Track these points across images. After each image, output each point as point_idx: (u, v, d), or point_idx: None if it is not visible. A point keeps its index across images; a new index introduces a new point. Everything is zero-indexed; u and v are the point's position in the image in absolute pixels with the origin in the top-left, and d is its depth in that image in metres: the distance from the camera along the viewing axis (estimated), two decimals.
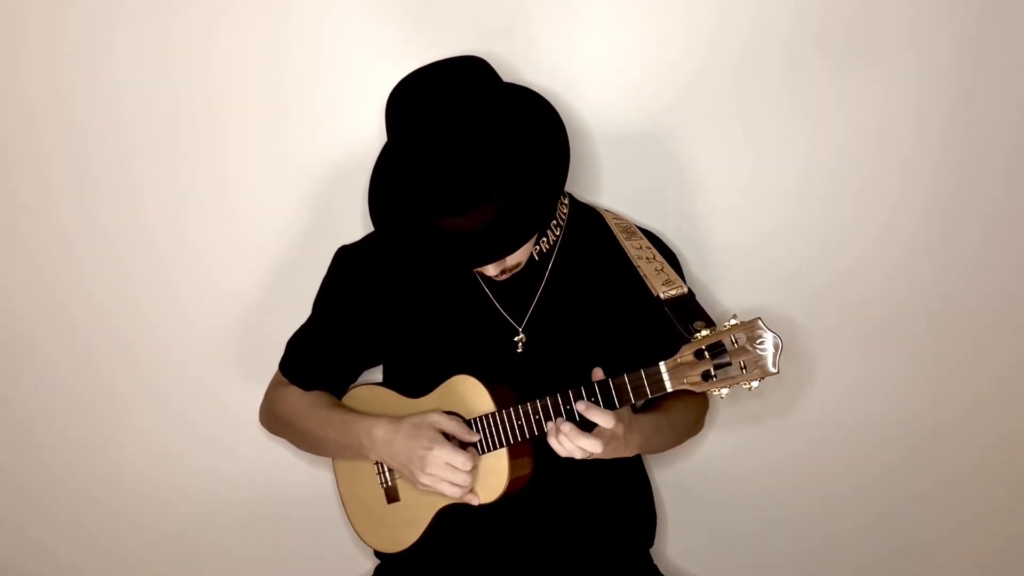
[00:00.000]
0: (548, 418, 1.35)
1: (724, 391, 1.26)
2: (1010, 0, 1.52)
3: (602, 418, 1.29)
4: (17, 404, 1.85)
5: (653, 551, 1.63)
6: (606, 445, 1.31)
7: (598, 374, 1.33)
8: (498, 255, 1.34)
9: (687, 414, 1.54)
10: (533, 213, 1.33)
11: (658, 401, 1.46)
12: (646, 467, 1.66)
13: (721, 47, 1.58)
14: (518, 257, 1.40)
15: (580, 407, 1.31)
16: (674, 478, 1.79)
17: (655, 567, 1.61)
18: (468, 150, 1.29)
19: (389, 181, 1.41)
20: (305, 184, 1.70)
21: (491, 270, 1.39)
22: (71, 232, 1.77)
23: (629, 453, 1.38)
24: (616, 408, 1.31)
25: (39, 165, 1.74)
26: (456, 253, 1.33)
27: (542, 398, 1.35)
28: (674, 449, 1.69)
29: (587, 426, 1.31)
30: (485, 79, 1.35)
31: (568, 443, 1.30)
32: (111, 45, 1.67)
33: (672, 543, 1.83)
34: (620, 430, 1.32)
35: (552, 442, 1.32)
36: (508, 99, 1.37)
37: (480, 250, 1.33)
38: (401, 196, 1.37)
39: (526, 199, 1.32)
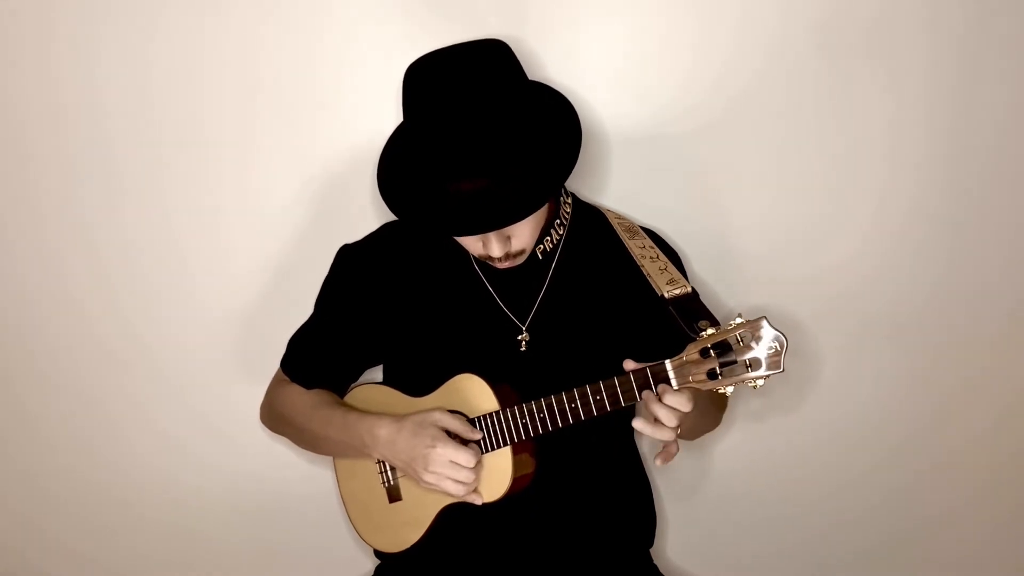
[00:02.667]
0: (552, 417, 1.35)
1: (729, 389, 1.26)
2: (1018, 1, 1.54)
3: (679, 401, 1.28)
4: (26, 398, 1.85)
5: (653, 551, 1.63)
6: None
7: (630, 364, 1.32)
8: (504, 219, 1.31)
9: (718, 404, 1.56)
10: (539, 186, 1.32)
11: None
12: (645, 467, 1.66)
13: (732, 53, 1.59)
14: (522, 241, 1.39)
15: (658, 391, 1.29)
16: (674, 478, 1.79)
17: (655, 567, 1.61)
18: (485, 121, 1.29)
19: (403, 155, 1.40)
20: (307, 183, 1.70)
21: (496, 249, 1.37)
22: (79, 228, 1.76)
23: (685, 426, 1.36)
24: (622, 406, 1.31)
25: (57, 164, 1.73)
26: (462, 216, 1.31)
27: (546, 397, 1.35)
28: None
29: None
30: (506, 60, 1.36)
31: (660, 408, 1.28)
32: (134, 47, 1.67)
33: (672, 543, 1.83)
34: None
35: (651, 413, 1.29)
36: (527, 82, 1.39)
37: (486, 213, 1.30)
38: (414, 167, 1.36)
39: (534, 172, 1.32)
